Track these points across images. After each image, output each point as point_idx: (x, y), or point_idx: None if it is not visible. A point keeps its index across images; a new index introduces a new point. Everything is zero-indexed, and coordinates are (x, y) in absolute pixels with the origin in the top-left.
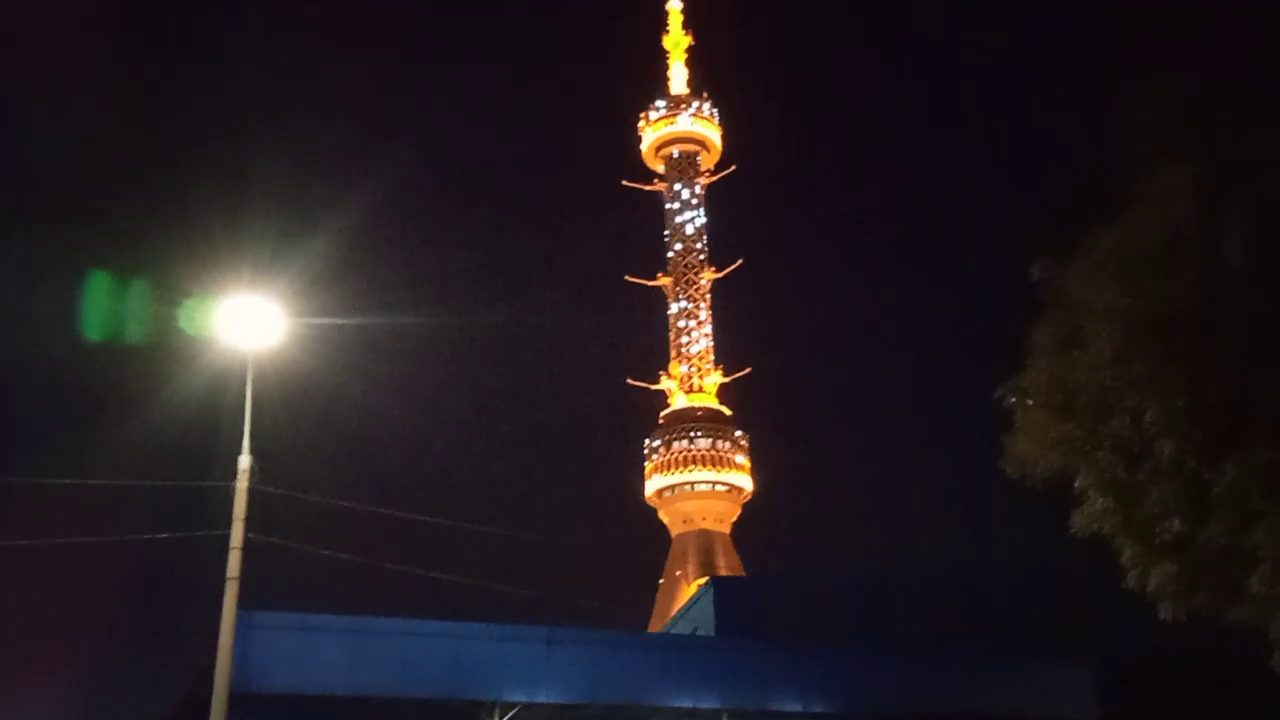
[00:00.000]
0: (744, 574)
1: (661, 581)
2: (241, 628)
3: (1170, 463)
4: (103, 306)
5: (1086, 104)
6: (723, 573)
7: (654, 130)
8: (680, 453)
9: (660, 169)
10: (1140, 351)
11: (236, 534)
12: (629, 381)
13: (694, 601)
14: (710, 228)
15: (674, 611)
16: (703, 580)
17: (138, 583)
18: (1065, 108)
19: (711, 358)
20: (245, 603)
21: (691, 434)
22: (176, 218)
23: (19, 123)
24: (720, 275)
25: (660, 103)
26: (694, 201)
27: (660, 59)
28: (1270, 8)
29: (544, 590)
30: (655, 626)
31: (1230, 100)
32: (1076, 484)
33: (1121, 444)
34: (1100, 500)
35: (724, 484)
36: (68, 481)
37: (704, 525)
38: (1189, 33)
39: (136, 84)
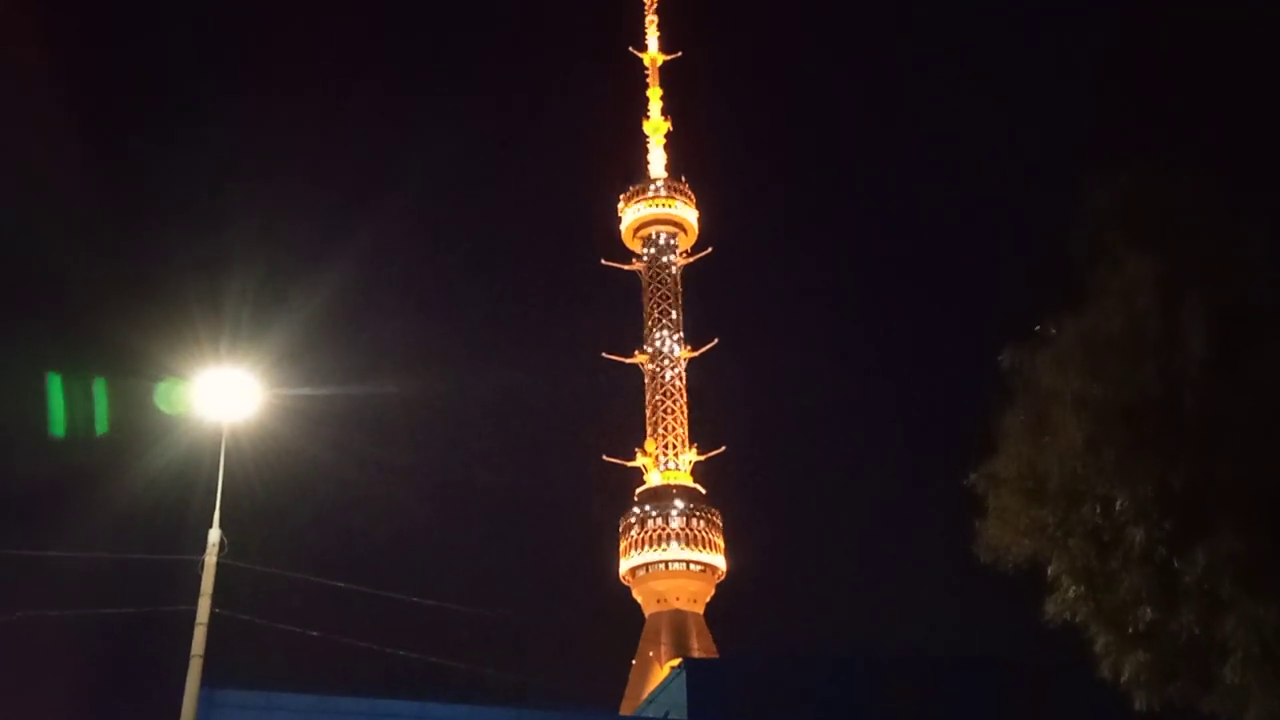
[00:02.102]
0: (717, 655)
1: (634, 662)
2: (204, 706)
3: (1141, 551)
4: (63, 404)
5: (1056, 192)
6: (696, 654)
7: (632, 211)
8: (654, 531)
9: (639, 249)
10: (1109, 439)
11: (203, 610)
12: (604, 458)
13: (667, 683)
14: (686, 307)
15: (646, 693)
16: (676, 662)
17: (105, 659)
18: (1035, 195)
19: (686, 436)
20: (211, 679)
21: (666, 512)
22: (151, 296)
23: None
24: (695, 354)
25: (639, 185)
26: (671, 282)
27: (640, 142)
28: (1233, 108)
29: (514, 670)
30: (627, 709)
31: (1192, 194)
32: (1049, 571)
33: (1093, 531)
34: (1072, 588)
35: (698, 563)
36: (31, 553)
37: (678, 605)
38: (1154, 127)
39: (101, 162)
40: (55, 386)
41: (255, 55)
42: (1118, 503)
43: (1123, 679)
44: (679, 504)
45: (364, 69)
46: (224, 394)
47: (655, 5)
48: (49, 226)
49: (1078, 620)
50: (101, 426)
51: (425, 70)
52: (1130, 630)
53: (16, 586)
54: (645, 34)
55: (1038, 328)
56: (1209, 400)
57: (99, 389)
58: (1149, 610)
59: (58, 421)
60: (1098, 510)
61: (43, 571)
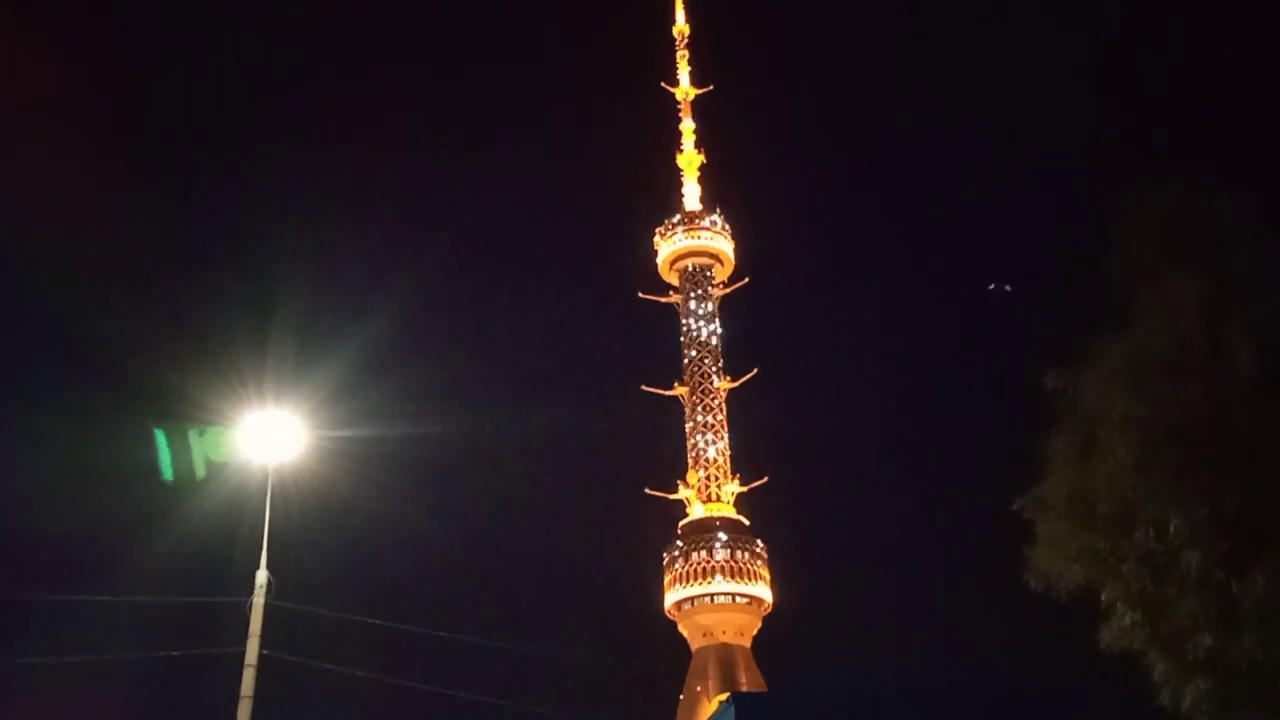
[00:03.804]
0: (766, 690)
1: (681, 698)
2: None
3: (1197, 575)
4: (170, 453)
5: (1095, 213)
6: (744, 688)
7: (669, 244)
8: (699, 564)
9: (675, 281)
10: (1158, 460)
11: (251, 651)
12: (647, 491)
13: (715, 719)
14: (724, 338)
15: None
16: (724, 696)
17: (156, 701)
18: (1075, 215)
19: (729, 467)
20: None
21: (710, 544)
22: (197, 341)
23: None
24: (735, 385)
25: (674, 218)
26: (708, 313)
27: (675, 176)
28: (1268, 130)
29: (560, 707)
30: None
31: (1232, 212)
32: (1103, 597)
33: (1146, 556)
34: (1129, 614)
35: (744, 596)
36: (82, 598)
37: (724, 639)
38: (1193, 144)
39: (148, 199)
40: (161, 439)
41: (300, 99)
42: (1171, 525)
43: (1183, 708)
44: (723, 536)
45: (404, 112)
46: (269, 436)
47: (686, 41)
48: (94, 272)
49: (1134, 648)
50: (200, 472)
51: (463, 112)
52: (1189, 657)
53: (68, 631)
54: (677, 69)
55: (1082, 348)
56: (1261, 417)
57: (194, 437)
58: (1208, 636)
59: (166, 467)
60: (1150, 534)
61: (93, 616)
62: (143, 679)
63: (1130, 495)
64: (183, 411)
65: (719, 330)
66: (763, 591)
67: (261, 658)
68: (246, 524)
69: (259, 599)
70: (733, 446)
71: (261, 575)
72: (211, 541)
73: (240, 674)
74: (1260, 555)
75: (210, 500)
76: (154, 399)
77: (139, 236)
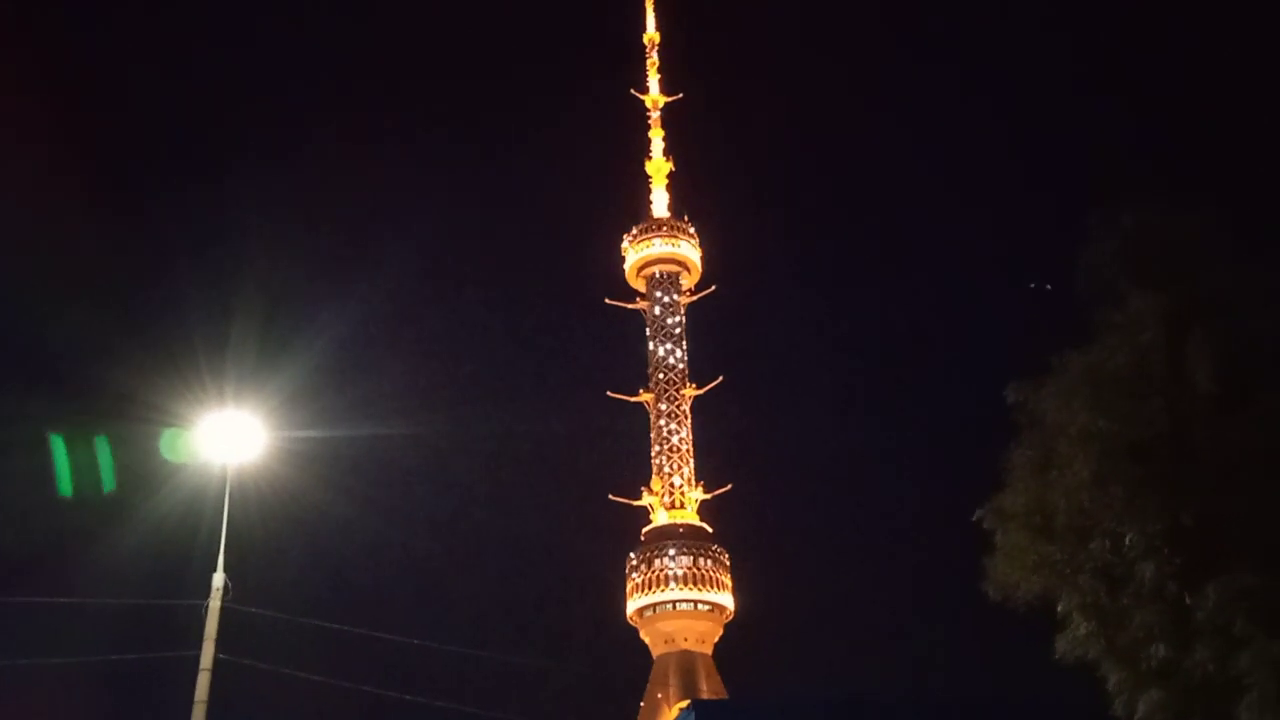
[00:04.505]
0: (726, 697)
1: (642, 704)
2: None
3: (1152, 587)
4: (69, 463)
5: (1060, 230)
6: (704, 695)
7: (636, 251)
8: (661, 570)
9: (643, 288)
10: (1116, 474)
11: (207, 655)
12: (611, 497)
13: None
14: (691, 346)
15: None
16: (684, 704)
17: (110, 706)
18: (1039, 233)
19: (693, 474)
20: None
21: (672, 551)
22: (156, 341)
23: None
24: (701, 392)
25: (643, 225)
26: (675, 320)
27: (643, 183)
28: (1235, 151)
29: (522, 712)
30: None
31: (1196, 233)
32: (1060, 607)
33: (1103, 567)
34: (1084, 625)
35: (706, 603)
36: (36, 600)
37: (686, 645)
38: (1157, 167)
39: (104, 210)
40: (59, 446)
41: (263, 107)
42: (1127, 538)
43: (1136, 717)
44: (685, 543)
45: (368, 118)
46: (228, 437)
47: (656, 48)
48: (54, 275)
49: (1090, 657)
50: (109, 484)
51: (429, 116)
52: (1143, 668)
53: (23, 635)
54: (647, 76)
55: (1044, 363)
56: (1218, 435)
57: (102, 446)
58: (1162, 647)
59: (64, 481)
60: (1107, 546)
61: (48, 619)
62: (98, 684)
63: (1088, 508)
64: (140, 414)
65: (685, 337)
66: (725, 599)
67: (217, 662)
68: (205, 526)
69: (215, 603)
70: (697, 454)
71: (218, 578)
72: (170, 544)
73: (195, 678)
74: (1214, 570)
75: (169, 502)
76: (113, 401)
77: (101, 242)
